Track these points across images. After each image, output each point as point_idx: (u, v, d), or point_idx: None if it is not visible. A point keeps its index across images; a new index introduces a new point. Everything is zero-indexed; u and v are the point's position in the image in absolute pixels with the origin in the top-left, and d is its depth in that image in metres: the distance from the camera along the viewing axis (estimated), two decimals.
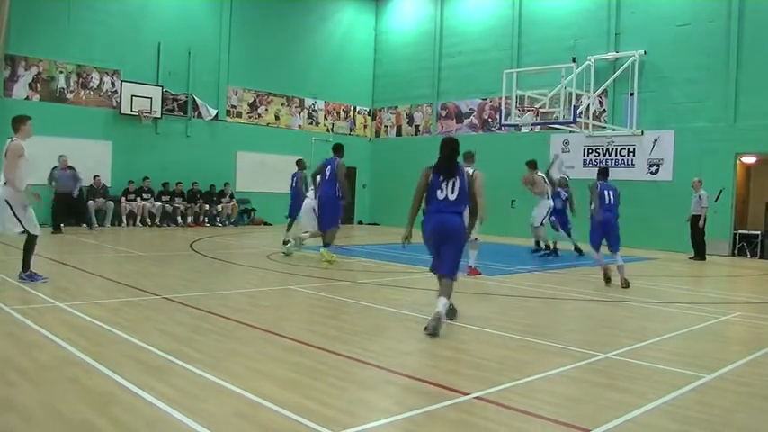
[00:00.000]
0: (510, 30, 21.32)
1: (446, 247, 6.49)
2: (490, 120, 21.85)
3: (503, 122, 18.93)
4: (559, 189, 14.77)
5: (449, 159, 6.52)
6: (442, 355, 5.40)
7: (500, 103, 19.26)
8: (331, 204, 11.83)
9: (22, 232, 8.39)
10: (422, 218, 6.70)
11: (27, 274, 8.39)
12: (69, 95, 18.65)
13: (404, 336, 6.29)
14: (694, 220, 15.29)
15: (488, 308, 8.06)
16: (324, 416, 3.84)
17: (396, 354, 5.51)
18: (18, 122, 8.34)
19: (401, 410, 4.05)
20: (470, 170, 8.50)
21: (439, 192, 6.46)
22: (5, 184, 8.13)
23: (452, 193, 6.45)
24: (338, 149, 12.02)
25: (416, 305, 7.61)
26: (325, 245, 11.83)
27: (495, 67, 20.72)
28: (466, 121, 22.64)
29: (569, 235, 14.96)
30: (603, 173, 10.65)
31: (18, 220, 8.23)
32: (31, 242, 8.42)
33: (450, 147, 6.55)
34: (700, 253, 15.36)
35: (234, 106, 22.08)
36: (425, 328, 6.19)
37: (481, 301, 8.50)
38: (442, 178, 6.47)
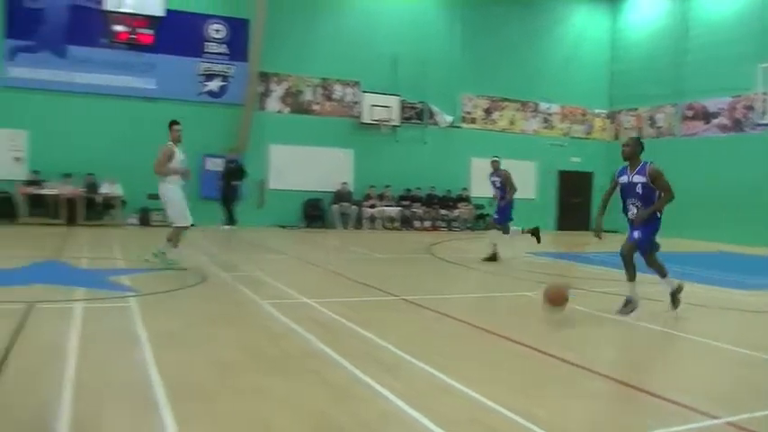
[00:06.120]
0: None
1: None
2: (743, 119, 19.58)
3: (758, 121, 16.94)
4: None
5: None
6: (674, 368, 4.91)
7: (753, 101, 17.27)
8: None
9: None
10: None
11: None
12: (315, 107, 20.17)
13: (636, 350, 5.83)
14: None
15: None
16: (559, 426, 3.65)
17: (613, 363, 5.12)
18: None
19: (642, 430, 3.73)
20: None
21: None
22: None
23: None
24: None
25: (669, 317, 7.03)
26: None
27: (745, 60, 18.52)
28: (714, 122, 20.55)
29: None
30: None
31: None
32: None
33: None
34: None
35: (468, 113, 22.32)
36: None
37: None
38: None
